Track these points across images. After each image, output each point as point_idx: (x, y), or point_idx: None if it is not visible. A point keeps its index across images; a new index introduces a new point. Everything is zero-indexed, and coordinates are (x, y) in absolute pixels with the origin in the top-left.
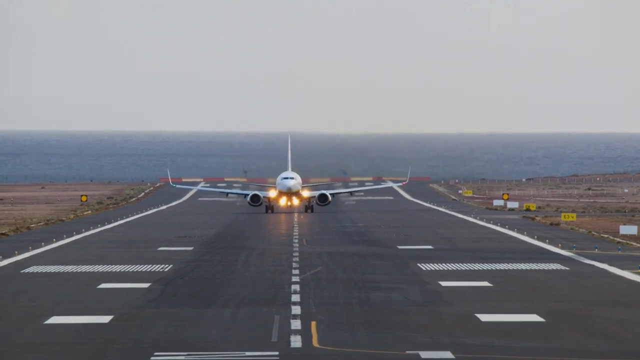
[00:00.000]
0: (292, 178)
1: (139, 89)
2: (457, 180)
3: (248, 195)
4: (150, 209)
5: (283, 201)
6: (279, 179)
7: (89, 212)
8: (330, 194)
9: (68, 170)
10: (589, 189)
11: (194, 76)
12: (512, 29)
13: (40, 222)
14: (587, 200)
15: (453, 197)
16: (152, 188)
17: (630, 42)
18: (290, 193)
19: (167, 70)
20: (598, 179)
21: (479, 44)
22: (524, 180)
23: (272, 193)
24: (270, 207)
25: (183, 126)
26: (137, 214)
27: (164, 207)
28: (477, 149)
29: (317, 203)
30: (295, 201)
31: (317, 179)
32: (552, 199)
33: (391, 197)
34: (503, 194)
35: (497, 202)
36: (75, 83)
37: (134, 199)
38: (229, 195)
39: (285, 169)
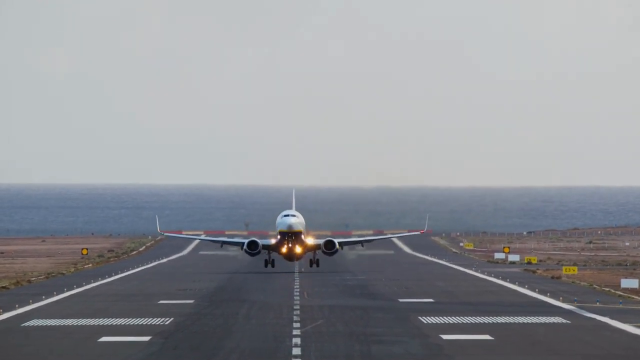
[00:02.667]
0: (293, 216)
1: (138, 143)
2: (458, 233)
3: (244, 243)
4: (151, 262)
5: (285, 249)
6: (279, 218)
7: (90, 265)
8: (338, 242)
9: (69, 223)
10: (590, 242)
11: (197, 130)
12: (509, 86)
13: (40, 276)
14: (589, 254)
15: (454, 250)
16: (153, 241)
17: (631, 97)
18: (291, 232)
19: (167, 125)
20: (599, 232)
21: (479, 100)
22: (525, 233)
23: (272, 240)
24: (270, 260)
25: (185, 179)
26: (138, 267)
27: (165, 260)
28: (479, 201)
29: (323, 251)
30: (298, 249)
31: (318, 232)
32: (553, 252)
33: (392, 251)
34: (504, 247)
35: (498, 255)
36: (74, 137)
37: (135, 252)
38: (224, 245)
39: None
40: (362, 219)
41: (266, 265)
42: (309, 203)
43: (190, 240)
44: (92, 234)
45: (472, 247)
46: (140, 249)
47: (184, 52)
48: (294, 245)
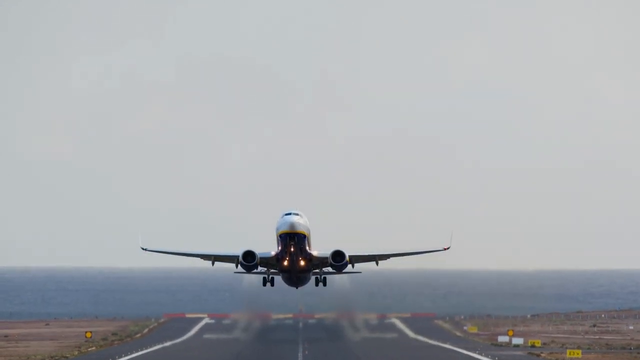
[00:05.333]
0: (296, 214)
1: (132, 225)
2: (462, 317)
3: (239, 256)
4: (155, 345)
5: (286, 262)
6: (280, 217)
7: (94, 348)
8: (349, 255)
9: (73, 306)
10: (594, 325)
11: (194, 210)
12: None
13: (44, 359)
14: (593, 337)
15: (458, 334)
16: (156, 324)
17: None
18: (294, 234)
19: (164, 205)
20: (603, 315)
21: (465, 188)
22: (529, 316)
23: (272, 252)
24: (269, 277)
25: (184, 263)
26: (142, 350)
27: (169, 343)
28: (483, 285)
29: (331, 264)
30: (302, 262)
31: (320, 314)
32: (558, 335)
33: (395, 334)
34: (508, 330)
35: (502, 338)
36: (71, 221)
37: (138, 334)
38: (214, 263)
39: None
40: (365, 301)
41: (264, 284)
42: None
43: (194, 322)
44: (96, 317)
45: (476, 331)
46: (144, 332)
47: (180, 139)
48: (297, 253)
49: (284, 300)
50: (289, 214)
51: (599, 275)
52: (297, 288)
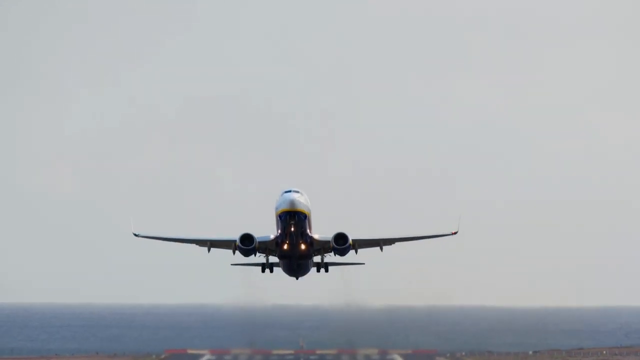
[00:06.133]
0: (296, 191)
1: (136, 262)
2: (463, 353)
3: (236, 239)
4: None
5: (286, 245)
6: (279, 196)
7: None
8: (352, 239)
9: (72, 342)
10: None
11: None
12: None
13: None
14: None
15: None
16: None
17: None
18: (294, 212)
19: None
20: (604, 352)
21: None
22: (530, 352)
23: (271, 236)
24: (268, 263)
25: (185, 299)
26: None
27: None
28: (483, 321)
29: (334, 247)
30: (303, 246)
31: (323, 351)
32: None
33: None
34: None
35: None
36: (71, 256)
37: None
38: (211, 249)
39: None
40: (368, 337)
41: (263, 270)
42: (315, 321)
43: (196, 358)
44: (97, 352)
45: None
46: None
47: (182, 172)
48: (297, 235)
49: (285, 336)
50: (289, 191)
51: (601, 311)
52: (297, 278)
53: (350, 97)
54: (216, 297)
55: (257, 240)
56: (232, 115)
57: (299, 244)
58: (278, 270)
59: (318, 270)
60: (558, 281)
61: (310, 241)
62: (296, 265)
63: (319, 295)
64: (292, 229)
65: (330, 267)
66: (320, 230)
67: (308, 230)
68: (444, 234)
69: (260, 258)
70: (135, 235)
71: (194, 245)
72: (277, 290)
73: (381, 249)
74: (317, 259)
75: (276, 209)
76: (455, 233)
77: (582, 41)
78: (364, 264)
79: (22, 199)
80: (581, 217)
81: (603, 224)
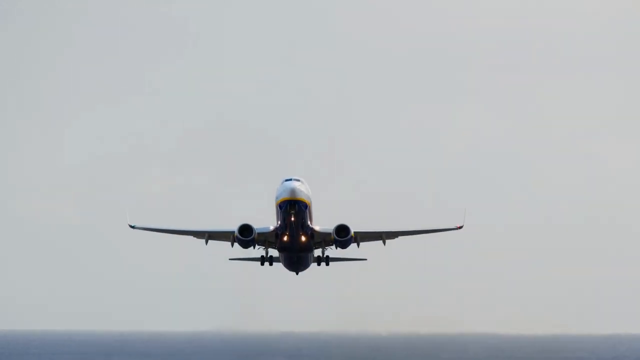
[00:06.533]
0: (297, 180)
1: (137, 289)
2: None
3: (234, 230)
4: None
5: (286, 236)
6: (279, 185)
7: None
8: (355, 231)
9: None
10: None
11: (197, 274)
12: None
13: None
14: None
15: None
16: None
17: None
18: (294, 201)
19: (168, 270)
20: None
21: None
22: None
23: (271, 227)
24: (267, 255)
25: (185, 326)
26: None
27: None
28: (485, 350)
29: (335, 239)
30: (303, 238)
31: None
32: None
33: None
34: None
35: None
36: (71, 284)
37: None
38: (209, 241)
39: None
40: None
41: (263, 263)
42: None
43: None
44: None
45: None
46: None
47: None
48: (297, 226)
49: None
50: (290, 179)
51: (607, 339)
52: (297, 273)
53: (350, 121)
54: (215, 323)
55: (256, 231)
56: (232, 142)
57: (300, 236)
58: (278, 266)
59: (319, 264)
60: (561, 308)
61: (311, 233)
62: (296, 258)
63: (319, 320)
64: (293, 219)
65: (332, 264)
66: (321, 223)
67: (309, 222)
68: (449, 228)
69: (260, 251)
70: (131, 226)
71: (193, 245)
72: (276, 315)
73: (384, 242)
74: (317, 252)
75: (276, 198)
76: (460, 227)
77: (582, 68)
78: (366, 259)
79: (19, 224)
80: (586, 242)
81: (608, 249)
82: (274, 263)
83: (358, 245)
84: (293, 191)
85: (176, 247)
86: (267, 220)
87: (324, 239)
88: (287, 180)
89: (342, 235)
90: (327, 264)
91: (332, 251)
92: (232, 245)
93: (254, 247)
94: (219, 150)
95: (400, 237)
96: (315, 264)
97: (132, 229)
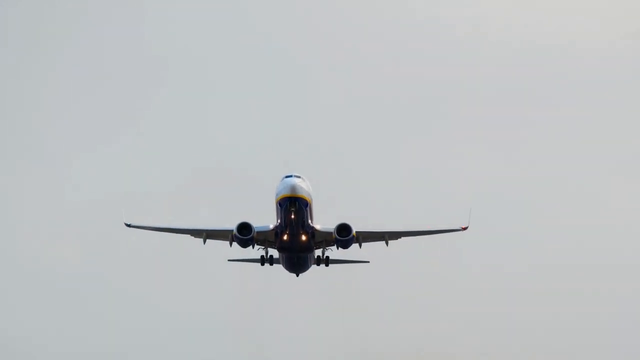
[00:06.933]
0: (297, 176)
1: (141, 327)
2: None
3: (233, 229)
4: None
5: (286, 235)
6: (279, 182)
7: None
8: (356, 231)
9: None
10: None
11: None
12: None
13: None
14: None
15: None
16: None
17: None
18: (295, 198)
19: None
20: None
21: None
22: None
23: (270, 226)
24: (267, 255)
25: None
26: None
27: None
28: None
29: (336, 239)
30: (304, 237)
31: None
32: None
33: None
34: None
35: None
36: (75, 324)
37: None
38: (206, 240)
39: None
40: None
41: (262, 264)
42: None
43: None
44: None
45: None
46: None
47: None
48: (298, 225)
49: None
50: (290, 176)
51: None
52: (297, 275)
53: (339, 167)
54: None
55: (256, 229)
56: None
57: (300, 235)
58: (277, 268)
59: (318, 264)
60: (566, 342)
61: (312, 232)
62: (296, 259)
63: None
64: (293, 217)
65: (333, 266)
66: (322, 222)
67: (309, 220)
68: (453, 229)
69: (259, 251)
70: (127, 225)
71: (192, 248)
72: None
73: (386, 243)
74: (318, 252)
75: (276, 195)
76: (465, 228)
77: (579, 102)
78: (368, 262)
79: (20, 269)
80: (588, 283)
81: (614, 289)
82: (274, 264)
83: (360, 245)
84: (293, 188)
85: (173, 247)
86: (266, 220)
87: (325, 239)
88: (287, 176)
89: (344, 235)
90: (327, 265)
91: (333, 252)
92: (231, 244)
93: (253, 247)
94: (219, 192)
95: (403, 238)
96: (315, 265)
97: (127, 227)
